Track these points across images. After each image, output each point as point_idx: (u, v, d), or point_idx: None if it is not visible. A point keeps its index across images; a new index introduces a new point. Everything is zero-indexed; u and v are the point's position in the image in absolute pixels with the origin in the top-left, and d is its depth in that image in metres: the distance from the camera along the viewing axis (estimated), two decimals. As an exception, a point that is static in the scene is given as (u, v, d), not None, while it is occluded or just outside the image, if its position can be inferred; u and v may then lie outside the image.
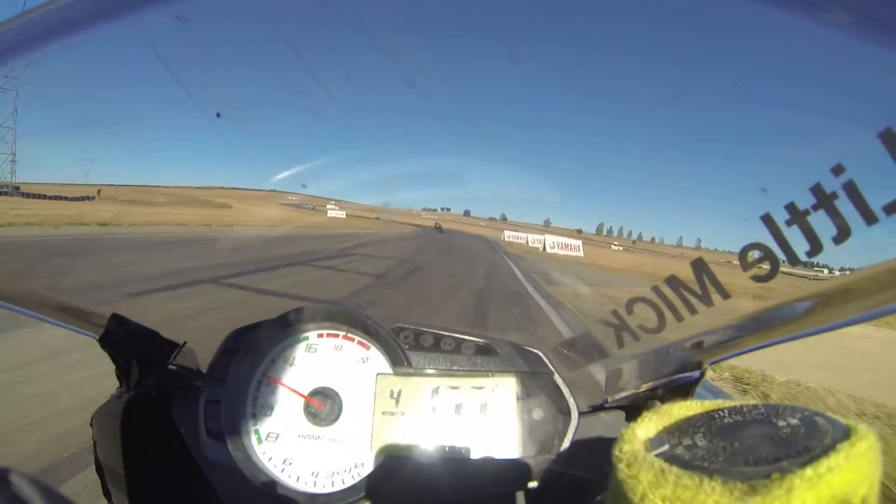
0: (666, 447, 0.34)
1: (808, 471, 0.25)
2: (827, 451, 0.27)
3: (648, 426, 0.38)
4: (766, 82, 0.48)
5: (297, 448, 0.69)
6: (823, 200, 0.40)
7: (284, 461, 0.69)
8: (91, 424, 0.68)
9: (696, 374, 0.53)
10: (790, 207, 0.42)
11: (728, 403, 0.38)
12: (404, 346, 0.72)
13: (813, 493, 0.25)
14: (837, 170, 0.39)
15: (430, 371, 0.71)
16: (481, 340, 0.73)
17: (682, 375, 0.54)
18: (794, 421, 0.32)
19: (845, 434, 0.28)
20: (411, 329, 0.74)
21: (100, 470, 0.68)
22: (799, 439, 0.29)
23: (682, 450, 0.33)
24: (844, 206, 0.39)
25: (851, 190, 0.39)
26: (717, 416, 0.36)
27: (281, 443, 0.70)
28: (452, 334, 0.73)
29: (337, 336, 0.75)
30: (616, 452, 0.34)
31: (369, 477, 0.66)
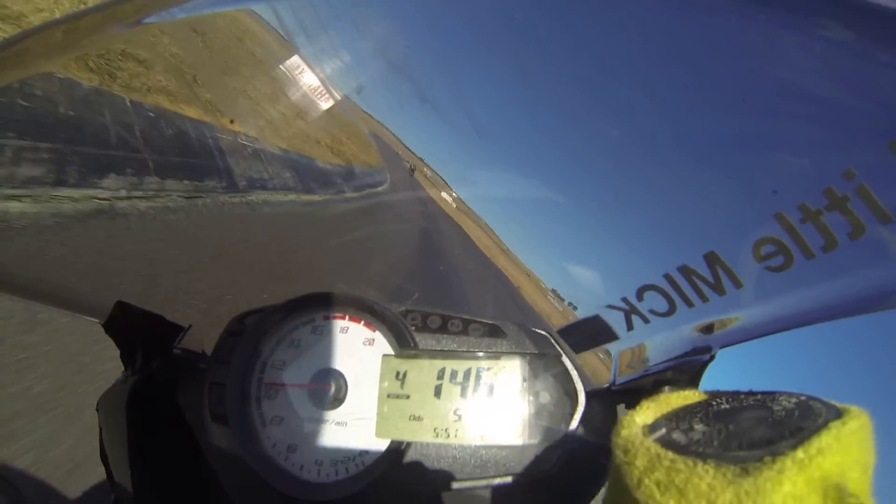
0: (663, 431, 0.35)
1: (799, 452, 0.26)
2: (818, 430, 0.27)
3: (647, 413, 0.39)
4: (775, 95, 0.51)
5: (302, 432, 0.69)
6: (836, 202, 0.43)
7: (288, 448, 0.69)
8: (97, 409, 0.67)
9: (706, 357, 0.56)
10: (803, 208, 0.44)
11: (726, 392, 0.40)
12: (411, 327, 0.73)
13: (804, 475, 0.25)
14: (848, 175, 0.42)
15: (436, 353, 0.72)
16: (489, 321, 0.75)
17: (691, 359, 0.57)
18: (789, 405, 0.33)
19: (838, 414, 0.29)
20: (418, 311, 0.75)
21: (104, 454, 0.67)
22: (792, 421, 0.30)
23: (678, 434, 0.34)
24: (858, 206, 0.41)
25: (863, 193, 0.41)
26: (714, 402, 0.38)
27: (285, 427, 0.70)
28: (460, 316, 0.75)
29: (343, 318, 0.75)
30: (614, 438, 0.36)
31: (373, 466, 0.67)
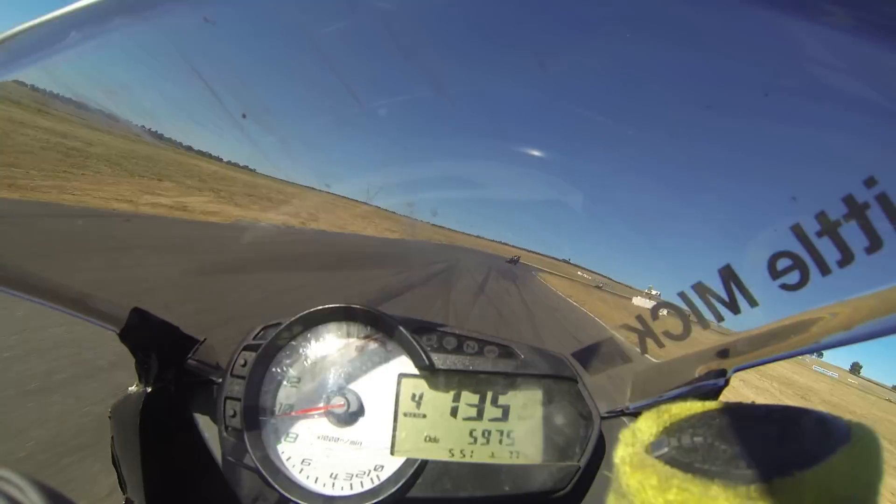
0: (666, 449, 0.34)
1: (809, 474, 0.26)
2: (829, 452, 0.27)
3: (649, 426, 0.38)
4: (797, 94, 0.48)
5: (317, 448, 0.69)
6: (855, 211, 0.40)
7: (303, 461, 0.68)
8: (109, 417, 0.68)
9: (721, 381, 0.53)
10: (821, 217, 0.42)
11: (729, 404, 0.38)
12: (427, 347, 0.72)
13: (815, 495, 0.25)
14: (870, 182, 0.39)
15: (452, 373, 0.71)
16: (504, 343, 0.73)
17: (706, 382, 0.54)
18: (794, 422, 0.32)
19: (847, 435, 0.28)
20: (434, 330, 0.74)
21: (116, 463, 0.68)
22: (800, 440, 0.29)
23: (683, 451, 0.33)
24: (877, 216, 0.39)
25: (884, 201, 0.38)
26: (717, 415, 0.36)
27: (300, 443, 0.70)
28: (476, 337, 0.74)
29: (359, 336, 0.75)
30: (617, 454, 0.35)
31: (388, 481, 0.66)
